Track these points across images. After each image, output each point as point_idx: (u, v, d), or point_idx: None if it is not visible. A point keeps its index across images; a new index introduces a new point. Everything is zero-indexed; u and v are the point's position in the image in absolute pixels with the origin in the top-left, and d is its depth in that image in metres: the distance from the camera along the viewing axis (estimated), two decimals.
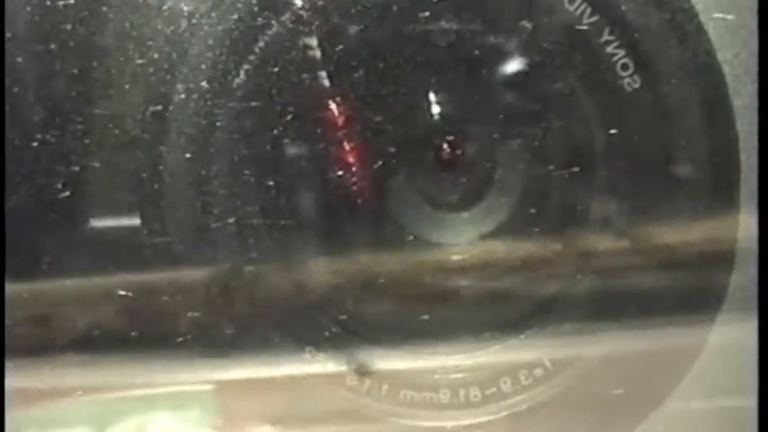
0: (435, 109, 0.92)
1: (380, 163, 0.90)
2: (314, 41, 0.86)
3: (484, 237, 0.94)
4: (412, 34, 0.87)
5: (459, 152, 0.92)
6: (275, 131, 0.87)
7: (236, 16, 0.85)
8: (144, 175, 0.87)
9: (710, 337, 0.91)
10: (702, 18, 0.87)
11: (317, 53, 0.86)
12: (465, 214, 0.95)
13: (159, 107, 0.86)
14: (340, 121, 0.89)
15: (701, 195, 0.89)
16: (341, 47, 0.87)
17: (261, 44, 0.86)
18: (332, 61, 0.87)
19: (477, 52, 0.88)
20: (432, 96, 0.91)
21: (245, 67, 0.86)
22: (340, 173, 0.90)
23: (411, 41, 0.88)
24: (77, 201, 0.87)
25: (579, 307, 0.92)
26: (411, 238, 0.93)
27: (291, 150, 0.89)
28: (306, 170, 0.90)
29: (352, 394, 0.93)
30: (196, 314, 0.89)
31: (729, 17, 0.87)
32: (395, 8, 0.86)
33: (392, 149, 0.90)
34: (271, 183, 0.89)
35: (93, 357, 0.88)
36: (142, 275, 0.88)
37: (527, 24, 0.86)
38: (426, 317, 0.93)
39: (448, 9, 0.86)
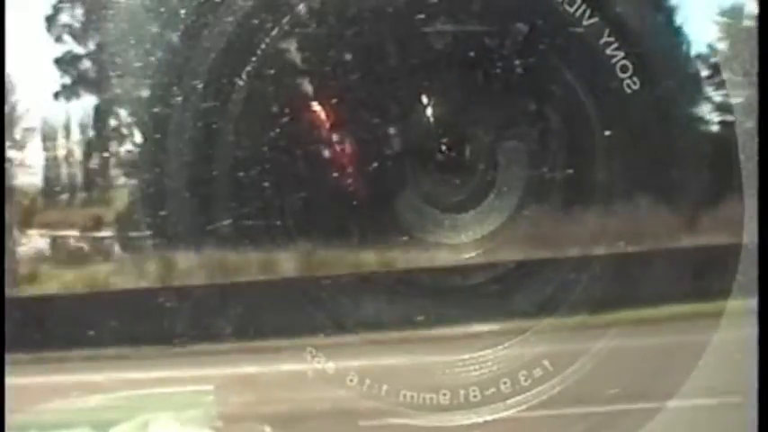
0: (431, 111, 0.92)
1: (378, 165, 0.90)
2: (313, 44, 0.86)
3: (484, 237, 0.95)
4: (409, 36, 0.88)
5: (455, 154, 0.93)
6: (272, 134, 0.88)
7: (232, 19, 0.86)
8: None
9: (712, 337, 0.91)
10: (702, 19, 0.87)
11: (315, 56, 0.87)
12: (465, 215, 0.95)
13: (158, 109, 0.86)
14: (338, 123, 0.90)
15: (701, 196, 0.89)
16: (338, 49, 0.87)
17: (263, 46, 0.86)
18: (329, 64, 0.87)
19: (474, 54, 0.89)
20: (427, 99, 0.91)
21: (247, 69, 0.87)
22: (336, 174, 0.90)
23: (408, 43, 0.88)
24: None
25: (579, 307, 0.92)
26: (405, 238, 0.93)
27: (290, 152, 0.90)
28: (306, 172, 0.91)
29: (352, 394, 0.93)
30: (195, 314, 0.89)
31: (728, 19, 0.87)
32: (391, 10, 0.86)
33: (390, 152, 0.90)
34: (267, 184, 0.89)
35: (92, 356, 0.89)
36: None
37: (522, 26, 0.86)
38: (426, 317, 0.93)
39: (444, 11, 0.86)
